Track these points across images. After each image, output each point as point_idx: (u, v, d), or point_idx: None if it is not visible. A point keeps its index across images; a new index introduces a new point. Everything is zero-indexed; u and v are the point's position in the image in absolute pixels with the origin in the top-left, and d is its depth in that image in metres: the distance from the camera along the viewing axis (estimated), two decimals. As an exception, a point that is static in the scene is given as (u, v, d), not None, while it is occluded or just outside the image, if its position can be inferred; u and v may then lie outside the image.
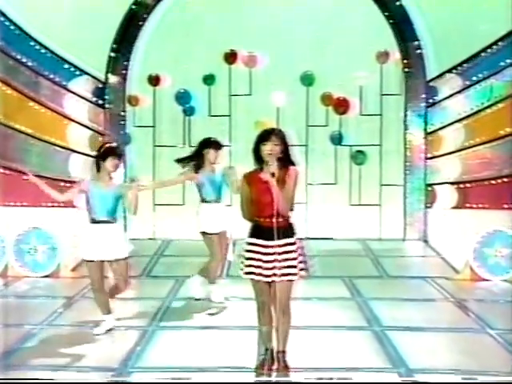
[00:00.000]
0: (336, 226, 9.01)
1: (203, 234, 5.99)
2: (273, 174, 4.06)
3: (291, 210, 4.12)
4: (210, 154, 5.93)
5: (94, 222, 5.01)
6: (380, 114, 9.14)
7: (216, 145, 5.97)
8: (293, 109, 8.93)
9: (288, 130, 4.34)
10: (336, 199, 9.08)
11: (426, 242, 8.88)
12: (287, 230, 4.12)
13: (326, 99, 9.06)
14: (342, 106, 9.06)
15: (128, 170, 8.72)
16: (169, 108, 9.09)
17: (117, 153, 5.01)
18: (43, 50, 7.96)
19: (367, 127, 9.08)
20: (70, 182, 7.94)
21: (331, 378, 4.26)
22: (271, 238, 4.06)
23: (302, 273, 4.17)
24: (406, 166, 9.11)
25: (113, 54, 8.91)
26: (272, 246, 4.08)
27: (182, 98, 9.03)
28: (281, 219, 4.08)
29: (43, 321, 5.38)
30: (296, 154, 4.33)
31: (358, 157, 9.15)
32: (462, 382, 4.24)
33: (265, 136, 4.11)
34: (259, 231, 4.11)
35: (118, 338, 5.01)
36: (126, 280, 5.11)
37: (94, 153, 5.50)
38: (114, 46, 8.88)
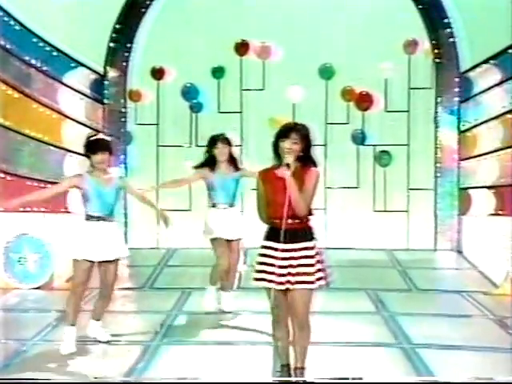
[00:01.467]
0: (359, 235, 9.00)
1: (212, 240, 5.99)
2: (291, 171, 4.04)
3: (310, 214, 4.11)
4: (219, 151, 5.92)
5: (89, 218, 5.04)
6: (407, 111, 9.12)
7: (223, 140, 5.95)
8: (310, 105, 8.92)
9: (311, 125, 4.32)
10: (358, 205, 9.07)
11: (459, 252, 8.84)
12: (305, 233, 4.10)
13: (347, 94, 9.06)
14: (364, 102, 9.05)
15: (129, 173, 8.85)
16: (174, 104, 9.13)
17: (103, 146, 5.01)
18: (35, 39, 7.96)
19: (393, 125, 9.08)
20: (65, 184, 7.97)
21: (346, 378, 4.25)
22: (287, 241, 4.04)
23: (321, 282, 4.12)
24: (436, 168, 9.08)
25: (112, 45, 8.96)
26: (287, 250, 4.06)
27: (189, 92, 9.07)
28: (298, 221, 4.06)
29: (35, 335, 5.35)
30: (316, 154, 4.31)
31: (383, 158, 9.14)
32: (468, 382, 4.30)
33: (284, 132, 4.11)
34: (274, 233, 4.08)
35: (117, 353, 4.96)
36: (112, 286, 5.10)
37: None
38: (114, 35, 8.94)
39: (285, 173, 4.03)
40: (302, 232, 4.08)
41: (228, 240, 6.00)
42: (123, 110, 9.10)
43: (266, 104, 8.94)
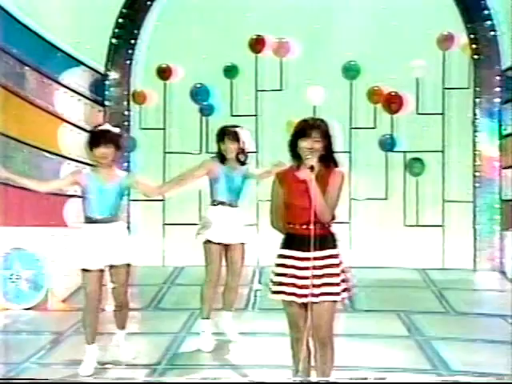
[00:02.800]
0: (388, 252, 8.91)
1: (204, 245, 5.77)
2: (312, 169, 4.04)
3: (333, 218, 4.10)
4: (225, 147, 5.81)
5: (90, 221, 4.98)
6: (442, 113, 9.08)
7: (230, 136, 5.83)
8: (333, 107, 8.85)
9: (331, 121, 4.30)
10: (387, 219, 9.03)
11: (502, 273, 8.73)
12: (328, 240, 4.10)
13: (374, 95, 9.04)
14: (393, 104, 9.02)
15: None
16: (182, 106, 9.15)
17: (107, 138, 4.94)
18: (30, 35, 8.03)
19: (426, 129, 9.03)
20: (62, 195, 7.96)
21: (365, 378, 4.25)
22: (308, 249, 4.02)
23: (345, 293, 4.12)
24: (475, 178, 9.02)
25: (114, 41, 9.01)
26: (309, 259, 4.04)
27: (199, 94, 9.08)
28: (319, 226, 4.05)
29: (27, 359, 5.36)
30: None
31: (415, 166, 9.09)
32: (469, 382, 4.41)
33: (304, 130, 4.11)
34: (293, 241, 4.09)
35: (118, 378, 4.96)
36: (126, 292, 5.14)
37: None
38: (116, 30, 8.97)
39: (308, 175, 4.02)
40: (325, 238, 4.08)
41: (225, 245, 5.76)
42: (126, 113, 9.11)
43: (283, 106, 8.92)
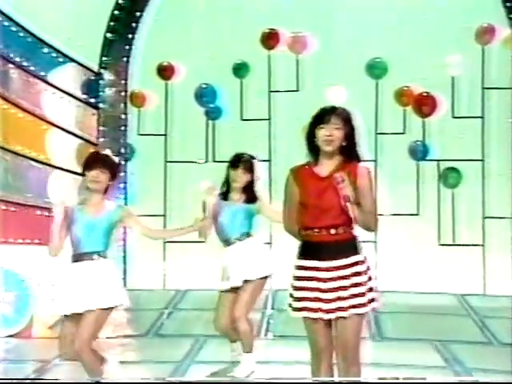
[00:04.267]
0: (420, 275, 8.84)
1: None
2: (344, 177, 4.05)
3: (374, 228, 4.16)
4: (235, 174, 5.97)
5: (76, 260, 4.98)
6: (481, 117, 9.04)
7: (243, 163, 5.99)
8: (356, 110, 8.86)
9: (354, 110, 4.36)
10: (419, 237, 8.95)
11: (552, 299, 8.66)
12: (352, 245, 4.11)
13: (404, 96, 9.01)
14: (425, 106, 8.99)
15: (129, 195, 8.84)
16: (186, 109, 9.14)
17: (103, 161, 5.02)
18: (14, 28, 8.07)
19: (463, 135, 8.98)
20: (49, 209, 7.93)
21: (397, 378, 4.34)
22: (331, 258, 4.03)
23: (373, 304, 4.12)
24: (519, 191, 8.95)
25: (109, 35, 9.00)
26: (335, 268, 4.04)
27: (204, 95, 9.07)
28: (342, 231, 4.06)
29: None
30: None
31: (450, 177, 9.04)
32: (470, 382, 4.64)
33: (322, 116, 4.14)
34: (313, 249, 4.08)
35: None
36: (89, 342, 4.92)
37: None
38: (112, 23, 8.97)
39: (337, 176, 4.02)
40: (349, 244, 4.09)
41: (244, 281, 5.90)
42: (123, 116, 9.10)
43: (300, 109, 8.81)
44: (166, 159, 9.18)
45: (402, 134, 9.05)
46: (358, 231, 4.22)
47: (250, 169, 6.03)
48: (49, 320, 7.02)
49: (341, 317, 4.02)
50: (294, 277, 4.13)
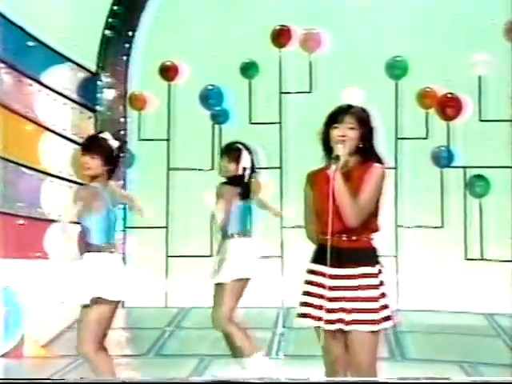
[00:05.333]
0: (445, 292, 8.83)
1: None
2: (340, 164, 4.06)
3: (374, 229, 4.13)
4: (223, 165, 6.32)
5: (87, 250, 5.19)
6: (510, 120, 9.01)
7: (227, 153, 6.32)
8: (374, 113, 8.88)
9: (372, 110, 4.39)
10: (444, 251, 8.95)
11: None
12: (364, 255, 4.12)
13: (426, 98, 9.03)
14: (450, 108, 9.01)
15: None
16: (190, 113, 9.20)
17: (92, 147, 5.13)
18: (3, 24, 8.10)
19: (491, 140, 8.97)
20: (42, 220, 7.96)
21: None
22: (339, 265, 4.06)
23: (387, 323, 4.10)
24: (555, 201, 8.95)
25: (108, 33, 9.10)
26: (339, 277, 4.07)
27: (210, 97, 9.13)
28: (355, 237, 4.08)
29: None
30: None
31: (478, 185, 9.04)
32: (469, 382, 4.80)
33: (336, 115, 4.18)
34: (323, 254, 4.10)
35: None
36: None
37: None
38: (110, 20, 9.06)
39: (332, 168, 4.05)
40: (360, 253, 4.09)
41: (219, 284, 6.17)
42: (122, 120, 9.19)
43: (313, 112, 8.81)
44: (169, 166, 9.23)
45: (425, 139, 9.07)
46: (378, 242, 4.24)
47: (236, 159, 6.21)
48: (41, 338, 7.07)
49: (347, 331, 4.03)
50: (304, 281, 4.18)
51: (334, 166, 4.05)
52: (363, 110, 4.27)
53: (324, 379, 4.17)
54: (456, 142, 9.08)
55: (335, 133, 4.12)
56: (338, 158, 4.07)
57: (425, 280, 8.86)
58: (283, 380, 4.28)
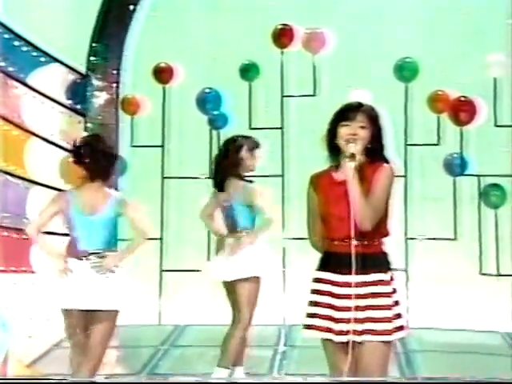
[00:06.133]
0: (458, 309, 8.79)
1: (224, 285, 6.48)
2: (352, 158, 4.09)
3: (384, 234, 4.15)
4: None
5: (73, 254, 5.48)
6: (528, 125, 9.06)
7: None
8: (383, 113, 8.89)
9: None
10: (457, 265, 8.90)
11: None
12: (376, 261, 4.13)
13: (438, 102, 9.01)
14: (463, 112, 8.98)
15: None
16: (186, 117, 9.21)
17: (90, 150, 5.44)
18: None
19: (507, 146, 8.95)
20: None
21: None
22: (348, 272, 4.05)
23: (401, 332, 4.10)
24: None
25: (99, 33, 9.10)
26: (351, 285, 4.06)
27: (208, 101, 9.13)
28: (367, 242, 4.09)
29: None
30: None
31: (493, 195, 9.03)
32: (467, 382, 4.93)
33: (346, 113, 4.23)
34: (330, 260, 4.13)
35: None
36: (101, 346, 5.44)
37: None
38: (101, 18, 9.07)
39: (347, 170, 4.04)
40: (371, 258, 4.10)
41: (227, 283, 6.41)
42: (113, 125, 9.19)
43: (317, 117, 8.84)
44: (163, 175, 9.23)
45: (436, 145, 9.07)
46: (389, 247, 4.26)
47: (257, 153, 6.64)
48: (28, 357, 7.06)
49: (358, 342, 4.03)
50: (310, 290, 4.18)
51: (349, 165, 4.05)
52: (374, 109, 4.31)
53: (324, 379, 4.23)
54: (469, 149, 9.06)
55: (345, 131, 4.14)
56: (353, 156, 4.07)
57: (436, 296, 8.83)
58: (283, 380, 4.25)
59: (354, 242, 4.05)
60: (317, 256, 4.34)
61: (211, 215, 6.75)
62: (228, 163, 6.52)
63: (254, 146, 6.66)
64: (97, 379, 4.95)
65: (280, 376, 4.64)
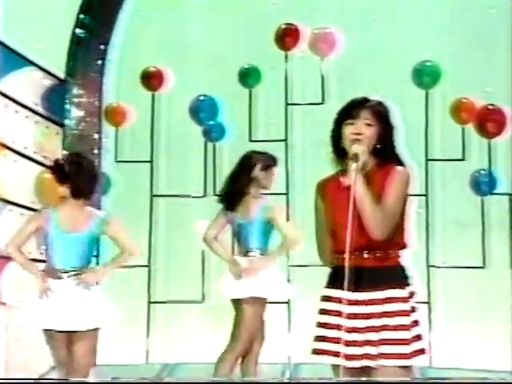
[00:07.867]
0: (488, 347, 8.78)
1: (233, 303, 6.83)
2: (356, 158, 4.12)
3: (401, 246, 4.17)
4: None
5: (50, 274, 5.93)
6: None
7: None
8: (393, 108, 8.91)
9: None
10: (486, 296, 8.89)
11: None
12: (391, 275, 4.15)
13: (463, 111, 9.05)
14: (491, 123, 9.02)
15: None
16: (178, 128, 9.27)
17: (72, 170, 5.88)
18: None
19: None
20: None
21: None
22: (358, 288, 4.07)
23: (420, 356, 4.11)
24: None
25: (80, 32, 9.16)
26: (363, 303, 4.08)
27: (202, 110, 9.18)
28: (379, 254, 4.11)
29: None
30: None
31: (526, 216, 9.05)
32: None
33: (350, 110, 4.30)
34: (340, 276, 4.10)
35: None
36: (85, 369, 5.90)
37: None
38: (82, 16, 9.12)
39: (351, 167, 4.07)
40: (387, 273, 4.12)
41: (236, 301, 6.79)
42: (95, 137, 9.23)
43: (325, 127, 8.84)
44: (152, 193, 9.26)
45: (461, 160, 9.08)
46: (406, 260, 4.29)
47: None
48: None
49: (373, 368, 4.05)
50: (318, 310, 4.22)
51: (353, 166, 4.08)
52: (381, 104, 4.35)
53: (324, 379, 4.23)
54: (498, 165, 9.09)
55: (350, 130, 4.21)
56: (356, 157, 4.10)
57: (464, 331, 8.83)
58: (283, 380, 4.28)
59: (365, 255, 4.10)
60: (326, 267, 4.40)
61: (216, 238, 7.04)
62: (241, 182, 6.87)
63: (270, 163, 7.03)
64: (96, 380, 5.36)
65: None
